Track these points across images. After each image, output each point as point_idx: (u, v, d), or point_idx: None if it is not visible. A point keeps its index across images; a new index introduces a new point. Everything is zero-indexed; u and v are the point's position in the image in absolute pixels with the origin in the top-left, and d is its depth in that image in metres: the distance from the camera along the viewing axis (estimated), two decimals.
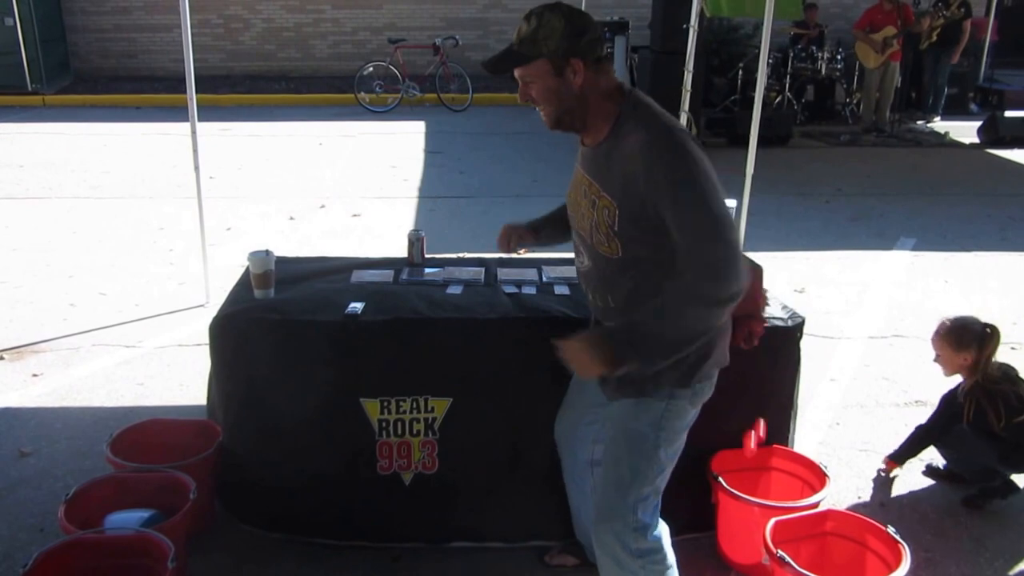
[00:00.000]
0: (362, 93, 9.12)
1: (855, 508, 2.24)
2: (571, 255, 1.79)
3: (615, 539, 1.63)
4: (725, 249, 1.42)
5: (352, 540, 2.20)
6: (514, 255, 2.05)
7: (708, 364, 1.61)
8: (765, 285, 2.26)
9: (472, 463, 2.14)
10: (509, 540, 2.21)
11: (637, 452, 1.62)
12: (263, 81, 10.49)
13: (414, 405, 2.10)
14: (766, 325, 2.09)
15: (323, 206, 5.43)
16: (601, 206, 1.54)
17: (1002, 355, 3.40)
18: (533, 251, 2.08)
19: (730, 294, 1.43)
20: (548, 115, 1.57)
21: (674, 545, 1.71)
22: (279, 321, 2.09)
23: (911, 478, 2.56)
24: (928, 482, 2.55)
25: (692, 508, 2.15)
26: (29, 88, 9.22)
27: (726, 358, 1.68)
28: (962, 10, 8.13)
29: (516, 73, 1.54)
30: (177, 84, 9.62)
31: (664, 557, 1.67)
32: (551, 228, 1.94)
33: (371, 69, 9.18)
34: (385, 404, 2.10)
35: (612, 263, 1.57)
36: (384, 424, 2.10)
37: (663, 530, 1.69)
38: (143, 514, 1.89)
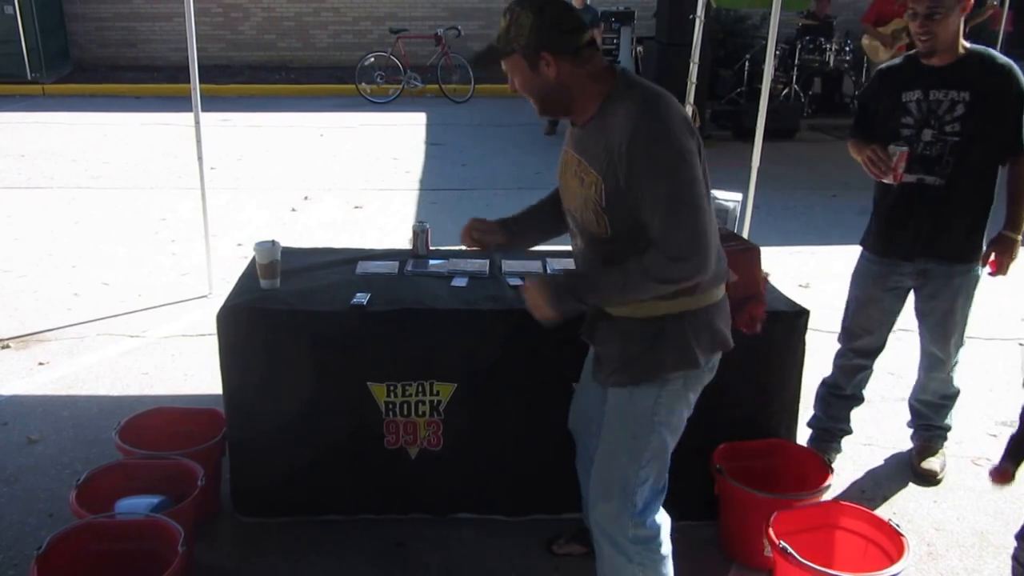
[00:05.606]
0: (363, 84, 9.09)
1: (858, 501, 2.25)
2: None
3: (612, 523, 1.65)
4: (689, 233, 1.45)
5: (358, 514, 2.25)
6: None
7: (701, 347, 1.60)
8: (771, 278, 2.26)
9: (475, 442, 2.19)
10: (511, 514, 2.26)
11: (633, 438, 1.63)
12: (263, 71, 10.45)
13: (420, 389, 2.15)
14: (768, 311, 2.09)
15: (306, 197, 5.42)
16: (588, 183, 1.57)
17: (1010, 351, 3.42)
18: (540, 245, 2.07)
19: (683, 276, 1.48)
20: (533, 104, 1.62)
21: (675, 532, 1.72)
22: (286, 311, 2.11)
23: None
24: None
25: (694, 496, 2.16)
26: (28, 77, 9.18)
27: (726, 341, 1.66)
28: None
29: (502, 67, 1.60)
30: (177, 73, 9.59)
31: (660, 546, 1.67)
32: (526, 228, 1.87)
33: (372, 59, 9.14)
34: (391, 388, 2.15)
35: (603, 243, 1.60)
36: (391, 406, 2.16)
37: (663, 520, 1.70)
38: (152, 500, 1.91)
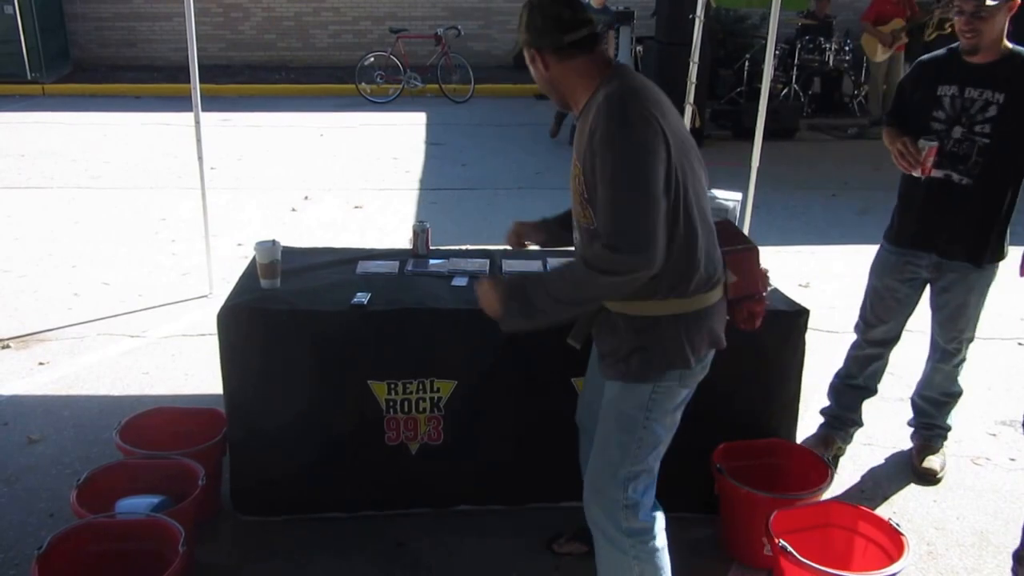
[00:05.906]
0: (363, 84, 9.08)
1: (858, 501, 2.26)
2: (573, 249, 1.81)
3: (605, 516, 1.67)
4: (627, 223, 1.44)
5: (359, 511, 2.25)
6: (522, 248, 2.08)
7: (695, 348, 1.61)
8: (771, 276, 2.25)
9: (475, 436, 2.22)
10: (510, 503, 2.29)
11: (625, 432, 1.65)
12: (263, 71, 10.44)
13: (420, 387, 2.16)
14: (768, 310, 2.09)
15: (307, 197, 5.42)
16: (575, 175, 1.62)
17: (1010, 351, 3.43)
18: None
19: (623, 267, 1.44)
20: None
21: (673, 527, 1.72)
22: (286, 311, 2.11)
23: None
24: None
25: (693, 496, 2.18)
26: (28, 77, 9.17)
27: (720, 340, 1.68)
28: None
29: None
30: (177, 73, 9.58)
31: (654, 539, 1.68)
32: (560, 227, 1.92)
33: (372, 59, 9.14)
34: (392, 386, 2.16)
35: (590, 233, 1.61)
36: (391, 403, 2.17)
37: (657, 513, 1.71)
38: (153, 499, 1.91)
